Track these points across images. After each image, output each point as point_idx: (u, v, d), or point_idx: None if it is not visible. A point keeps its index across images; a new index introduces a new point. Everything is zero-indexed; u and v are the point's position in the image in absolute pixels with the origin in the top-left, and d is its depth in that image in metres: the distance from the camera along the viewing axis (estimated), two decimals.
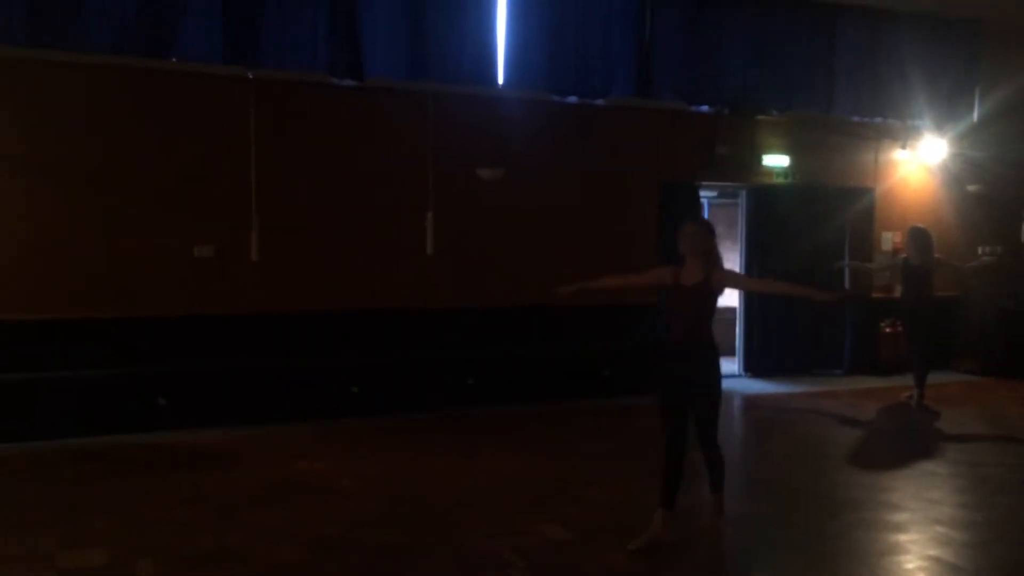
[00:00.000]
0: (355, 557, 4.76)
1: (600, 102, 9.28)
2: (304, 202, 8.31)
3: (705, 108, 9.84)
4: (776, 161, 10.46)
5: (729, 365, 10.88)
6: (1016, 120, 10.69)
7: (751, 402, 9.50)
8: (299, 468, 6.57)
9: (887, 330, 10.82)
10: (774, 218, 10.53)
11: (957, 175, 11.21)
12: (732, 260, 11.42)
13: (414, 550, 4.85)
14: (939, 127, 10.84)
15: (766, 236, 10.57)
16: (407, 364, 8.58)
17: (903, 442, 7.85)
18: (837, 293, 4.94)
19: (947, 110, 10.74)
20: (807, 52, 10.11)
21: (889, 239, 11.04)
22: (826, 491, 6.09)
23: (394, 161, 8.59)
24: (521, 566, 4.62)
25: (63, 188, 7.55)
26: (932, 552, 4.87)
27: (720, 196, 11.55)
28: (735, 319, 11.02)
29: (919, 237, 8.95)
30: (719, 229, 12.59)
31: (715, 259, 4.90)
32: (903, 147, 10.99)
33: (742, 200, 10.77)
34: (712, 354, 4.90)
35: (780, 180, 10.53)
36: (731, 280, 5.05)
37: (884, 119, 10.68)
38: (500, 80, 8.80)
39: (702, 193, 10.56)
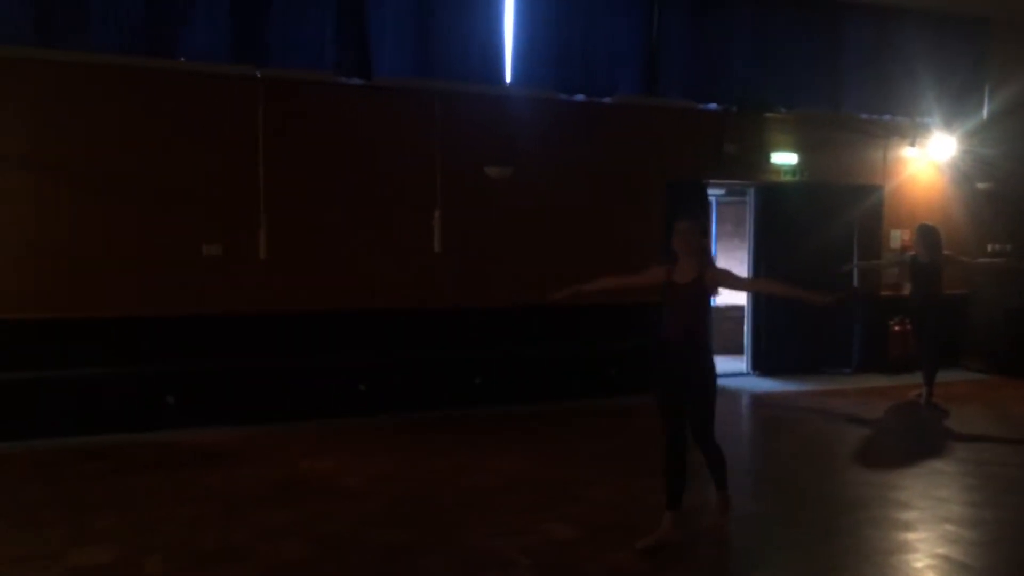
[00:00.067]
0: (359, 556, 4.77)
1: (607, 100, 9.27)
2: (312, 201, 8.32)
3: (712, 106, 9.82)
4: (784, 159, 10.42)
5: (737, 363, 10.87)
6: None
7: (759, 400, 9.47)
8: (304, 467, 6.58)
9: (896, 328, 10.78)
10: (782, 216, 10.49)
11: (966, 172, 11.15)
12: (740, 258, 11.42)
13: (418, 549, 4.85)
14: (948, 124, 10.79)
15: (774, 234, 10.54)
16: (413, 363, 8.59)
17: (911, 440, 7.82)
18: (834, 295, 4.88)
19: (956, 107, 10.70)
20: (814, 50, 10.09)
21: (898, 237, 10.99)
22: (834, 489, 6.07)
23: (402, 160, 8.60)
24: (525, 565, 4.62)
25: (71, 188, 7.59)
26: (941, 550, 4.85)
27: (728, 194, 11.54)
28: (743, 317, 11.00)
29: (928, 235, 8.91)
30: (727, 227, 12.77)
31: (709, 257, 4.89)
32: (912, 144, 10.94)
33: (750, 198, 10.74)
34: (706, 353, 4.88)
35: (788, 178, 10.50)
36: (726, 279, 5.02)
37: (893, 116, 10.64)
38: (507, 79, 8.80)
39: (710, 191, 10.55)
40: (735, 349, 11.18)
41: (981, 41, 10.75)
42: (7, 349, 7.37)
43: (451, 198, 8.63)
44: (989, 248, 11.01)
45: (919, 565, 4.66)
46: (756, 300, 10.59)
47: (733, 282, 5.11)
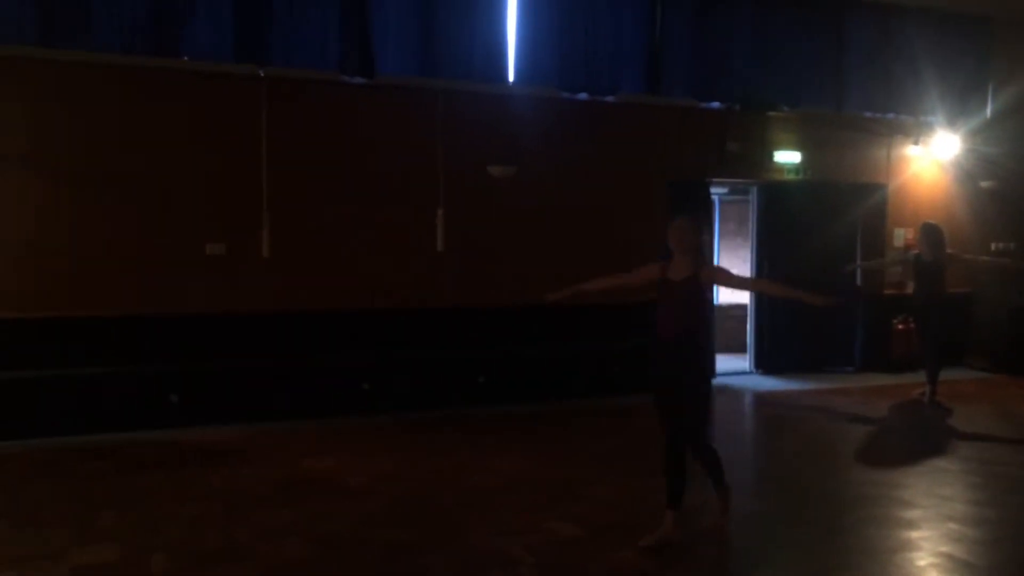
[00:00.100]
0: (361, 556, 4.77)
1: (610, 99, 9.27)
2: (315, 200, 8.33)
3: (716, 105, 9.81)
4: (787, 157, 10.41)
5: (740, 362, 10.87)
6: None
7: (762, 399, 9.47)
8: (307, 466, 6.59)
9: (899, 327, 10.77)
10: (785, 215, 10.48)
11: (970, 171, 11.14)
12: (743, 257, 11.42)
13: (420, 549, 4.86)
14: (952, 123, 10.78)
15: (777, 233, 10.53)
16: (415, 362, 8.59)
17: (915, 439, 7.81)
18: (831, 298, 4.85)
19: (960, 106, 10.69)
20: (818, 48, 10.09)
21: (901, 235, 10.97)
22: (837, 488, 6.06)
23: (404, 159, 8.60)
24: (528, 564, 4.62)
25: (74, 188, 7.59)
26: (944, 549, 4.84)
27: (731, 193, 11.52)
28: (746, 316, 11.00)
29: (931, 233, 8.90)
30: (730, 226, 12.76)
31: (704, 255, 4.86)
32: (915, 143, 10.93)
33: (753, 197, 10.73)
34: (700, 352, 4.86)
35: (792, 176, 10.48)
36: (721, 277, 5.00)
37: (896, 115, 10.63)
38: (510, 77, 8.80)
39: (713, 190, 10.54)
40: (738, 348, 11.18)
41: (984, 39, 10.74)
42: (10, 348, 7.38)
43: (454, 197, 8.63)
44: (992, 247, 10.99)
45: (922, 563, 4.65)
46: (759, 299, 10.58)
47: (729, 280, 5.09)
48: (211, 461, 6.75)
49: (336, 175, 8.41)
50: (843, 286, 10.14)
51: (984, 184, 11.12)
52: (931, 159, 11.11)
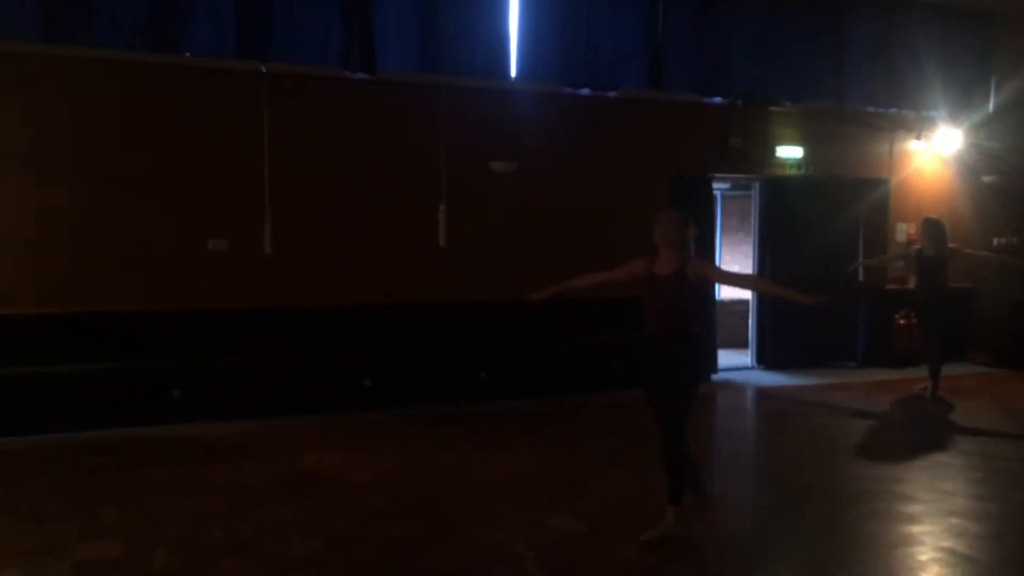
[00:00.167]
0: (366, 551, 4.78)
1: (612, 95, 9.25)
2: (317, 196, 8.33)
3: (718, 100, 9.79)
4: (790, 152, 10.41)
5: (742, 358, 10.87)
6: None
7: (764, 394, 9.47)
8: (310, 461, 6.60)
9: (901, 322, 10.76)
10: (788, 210, 10.47)
11: (972, 166, 11.12)
12: (745, 252, 11.42)
13: (424, 544, 4.87)
14: (954, 117, 10.75)
15: (780, 228, 10.52)
16: (418, 358, 8.60)
17: (917, 434, 7.81)
18: (821, 297, 4.81)
19: (962, 100, 10.65)
20: (820, 43, 10.04)
21: (904, 230, 10.96)
22: (839, 483, 6.07)
23: (407, 154, 8.60)
24: (532, 559, 4.63)
25: (77, 184, 7.60)
26: (946, 543, 4.84)
27: (733, 188, 11.51)
28: (747, 312, 11.00)
29: (933, 228, 8.89)
30: (732, 221, 12.76)
31: (690, 249, 4.82)
32: (918, 138, 10.92)
33: (755, 192, 10.72)
34: (686, 346, 4.80)
35: (794, 171, 10.48)
36: (710, 272, 4.96)
37: (898, 110, 10.59)
38: (512, 73, 8.78)
39: (715, 185, 10.53)
40: (740, 343, 11.18)
41: (987, 34, 10.70)
42: (14, 344, 7.39)
43: (456, 193, 8.62)
44: (995, 242, 10.98)
45: (924, 558, 4.65)
46: (760, 294, 10.57)
47: (717, 275, 5.04)
48: (213, 457, 6.77)
49: (338, 171, 8.41)
50: (845, 282, 10.14)
51: (986, 179, 11.10)
52: (933, 154, 11.09)
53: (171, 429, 7.54)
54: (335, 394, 8.27)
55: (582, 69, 9.01)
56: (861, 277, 10.67)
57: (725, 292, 11.47)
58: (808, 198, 10.43)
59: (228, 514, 5.33)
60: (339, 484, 6.03)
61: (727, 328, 11.31)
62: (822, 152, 10.53)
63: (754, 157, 10.20)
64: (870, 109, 10.52)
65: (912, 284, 9.68)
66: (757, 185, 10.64)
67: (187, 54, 7.68)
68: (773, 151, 10.33)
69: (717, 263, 11.12)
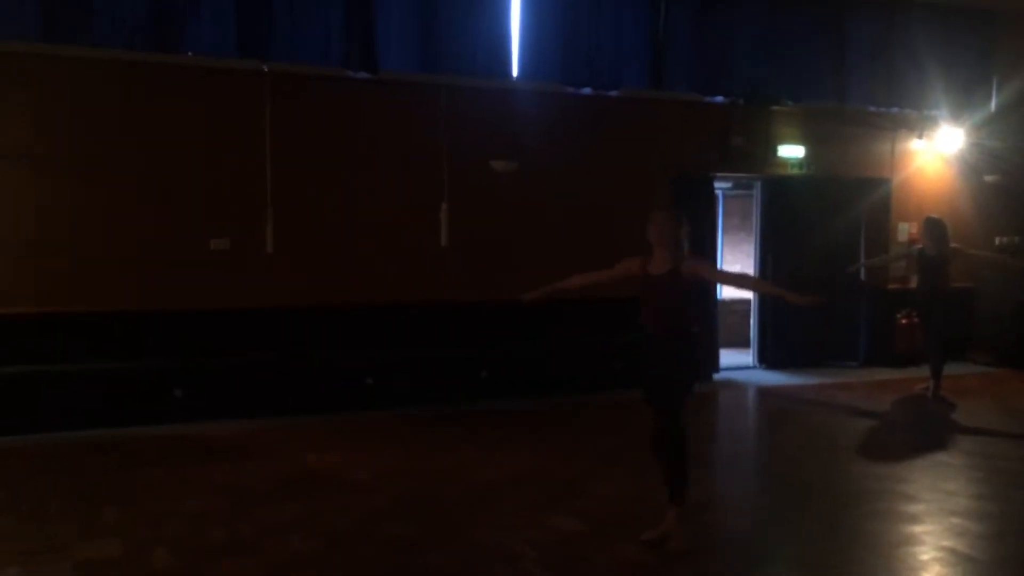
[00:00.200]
0: (366, 550, 4.78)
1: (613, 94, 9.24)
2: (319, 195, 8.34)
3: (719, 99, 9.78)
4: (791, 152, 10.39)
5: (744, 357, 10.87)
6: None
7: (765, 393, 9.47)
8: (311, 461, 6.60)
9: (903, 321, 10.75)
10: (789, 209, 10.46)
11: (974, 165, 11.10)
12: (747, 251, 11.41)
13: (425, 543, 4.87)
14: (956, 117, 10.73)
15: (781, 227, 10.50)
16: (419, 358, 8.60)
17: (918, 433, 7.80)
18: (814, 298, 4.77)
19: (964, 100, 10.63)
20: (822, 42, 10.03)
21: (906, 230, 10.95)
22: (840, 482, 6.07)
23: (408, 154, 8.61)
24: (532, 559, 4.63)
25: (80, 184, 7.62)
26: (947, 543, 4.84)
27: (735, 187, 11.50)
28: (749, 311, 10.99)
29: (934, 227, 8.88)
30: (734, 220, 12.75)
31: (684, 248, 4.77)
32: (919, 137, 10.91)
33: (757, 191, 10.71)
34: (682, 345, 4.78)
35: (795, 171, 10.47)
36: (705, 271, 4.92)
37: (900, 109, 10.58)
38: (513, 72, 8.78)
39: (717, 185, 10.53)
40: (742, 342, 11.18)
41: (989, 33, 10.69)
42: (15, 344, 7.40)
43: (457, 192, 8.63)
44: (997, 241, 10.97)
45: (925, 558, 4.65)
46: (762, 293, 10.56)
47: (712, 275, 5.00)
48: (214, 457, 6.77)
49: (339, 171, 8.42)
50: (847, 282, 10.15)
51: (988, 178, 11.08)
52: (935, 153, 11.08)
53: (172, 428, 7.55)
54: (336, 394, 8.27)
55: (583, 68, 9.01)
56: (863, 276, 10.66)
57: (727, 291, 11.45)
58: (809, 197, 10.42)
59: (229, 514, 5.33)
60: (340, 484, 6.03)
61: (729, 327, 11.30)
62: (824, 151, 10.52)
63: (755, 156, 10.19)
64: (872, 108, 10.51)
65: (914, 283, 9.67)
66: (758, 184, 10.63)
67: (188, 54, 7.69)
68: (775, 150, 10.32)
69: (719, 263, 11.14)
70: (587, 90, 9.13)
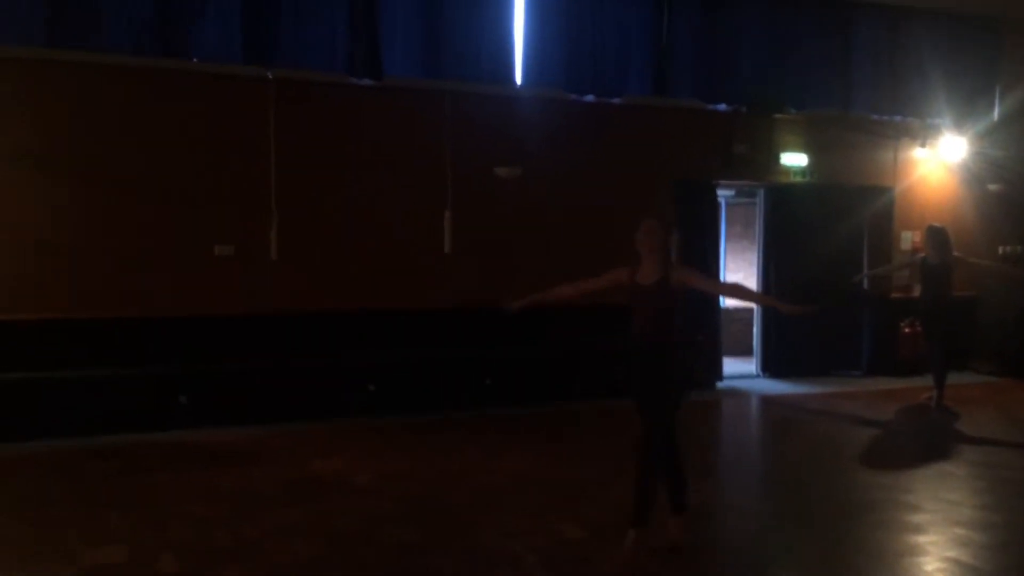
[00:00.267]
0: (371, 554, 4.79)
1: (617, 101, 9.28)
2: (323, 201, 8.35)
3: (722, 107, 9.81)
4: (794, 160, 10.41)
5: (747, 366, 10.87)
6: None
7: (769, 402, 9.47)
8: (316, 466, 6.61)
9: (906, 330, 10.74)
10: (792, 217, 10.47)
11: (978, 174, 11.12)
12: (750, 259, 11.42)
13: (430, 547, 4.87)
14: (959, 125, 10.75)
15: (784, 235, 10.51)
16: (423, 363, 8.60)
17: (922, 443, 7.79)
18: (806, 307, 4.75)
19: (967, 108, 10.66)
20: (824, 50, 10.07)
21: (908, 238, 10.95)
22: (844, 492, 6.05)
23: (412, 160, 8.62)
24: (536, 564, 4.63)
25: (85, 189, 7.63)
26: (951, 554, 4.84)
27: (738, 195, 11.53)
28: (752, 319, 10.99)
29: (937, 235, 8.88)
30: (736, 228, 12.74)
31: (671, 256, 4.74)
32: (922, 145, 10.91)
33: (760, 199, 10.72)
34: (672, 354, 4.72)
35: (798, 179, 10.48)
36: (694, 280, 4.85)
37: (903, 117, 10.61)
38: (517, 79, 8.81)
39: (719, 192, 10.54)
40: (744, 351, 11.17)
41: (993, 42, 10.72)
42: (20, 350, 7.41)
43: (461, 199, 8.65)
44: (1000, 250, 10.98)
45: (929, 568, 4.65)
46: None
47: (700, 283, 4.90)
48: (219, 462, 6.78)
49: (344, 177, 8.43)
50: (850, 291, 10.16)
51: (992, 187, 11.10)
52: (938, 162, 11.09)
53: (177, 434, 7.55)
54: (340, 399, 8.28)
55: (587, 76, 9.05)
56: (866, 285, 10.66)
57: (730, 300, 11.45)
58: (812, 205, 10.43)
59: (234, 518, 5.34)
60: (343, 488, 6.04)
61: (732, 336, 11.31)
62: (826, 159, 10.54)
63: (758, 164, 10.21)
64: (875, 117, 10.54)
65: (917, 292, 9.67)
66: (761, 192, 10.64)
67: (194, 59, 7.73)
68: (777, 158, 10.33)
69: (722, 270, 11.15)
70: (590, 97, 9.17)
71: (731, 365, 10.61)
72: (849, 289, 10.05)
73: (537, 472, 6.47)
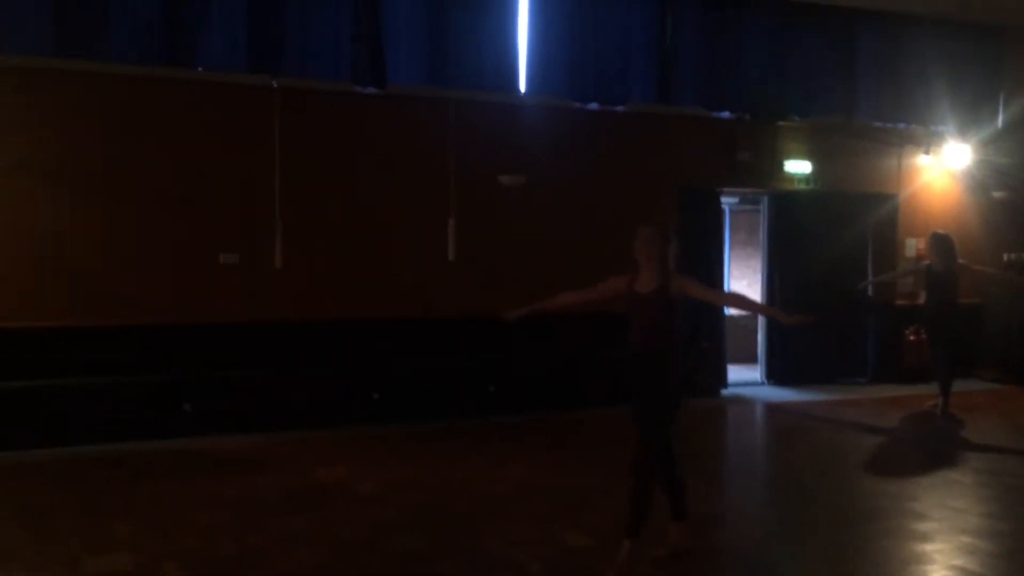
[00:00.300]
0: (375, 562, 4.79)
1: (620, 109, 9.29)
2: (327, 209, 8.37)
3: (726, 114, 9.83)
4: (798, 167, 10.40)
5: (751, 373, 10.84)
6: None
7: (773, 410, 9.45)
8: (320, 474, 6.60)
9: (911, 338, 10.72)
10: (796, 224, 10.46)
11: (982, 181, 11.11)
12: (754, 267, 11.40)
13: (434, 556, 4.87)
14: (963, 133, 10.75)
15: (788, 242, 10.50)
16: (427, 372, 8.60)
17: (927, 451, 7.77)
18: (805, 317, 4.71)
19: (971, 115, 10.67)
20: (828, 58, 10.10)
21: (913, 245, 10.93)
22: (849, 500, 6.04)
23: (416, 168, 8.64)
24: (540, 572, 4.63)
25: (91, 197, 7.66)
26: (957, 562, 4.82)
27: (742, 202, 11.52)
28: (756, 326, 10.98)
29: (941, 242, 8.87)
30: (740, 236, 12.73)
31: (670, 265, 4.69)
32: (927, 153, 10.91)
33: (764, 206, 10.72)
34: (669, 362, 4.68)
35: (802, 186, 10.48)
36: (693, 289, 4.73)
37: (907, 124, 10.62)
38: (521, 87, 8.84)
39: (723, 199, 10.53)
40: (749, 358, 11.15)
41: (996, 49, 10.73)
42: (26, 357, 7.42)
43: (465, 206, 8.67)
44: (1005, 258, 10.95)
45: None
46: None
47: (699, 293, 4.78)
48: (224, 470, 6.78)
49: (348, 184, 8.45)
50: (855, 298, 10.16)
51: (996, 194, 11.09)
52: (942, 169, 11.08)
53: (181, 442, 7.55)
54: (344, 407, 8.27)
55: (590, 83, 9.07)
56: (870, 293, 10.65)
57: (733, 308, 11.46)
58: (816, 213, 10.42)
59: (239, 526, 5.34)
60: (348, 496, 6.04)
61: (736, 343, 11.28)
62: (830, 166, 10.53)
63: (762, 171, 10.20)
64: (879, 124, 10.55)
65: (922, 299, 9.66)
66: (765, 199, 10.63)
67: (199, 68, 7.77)
68: (781, 165, 10.33)
69: (726, 277, 11.15)
70: (594, 105, 9.19)
71: (735, 372, 10.58)
72: (853, 295, 10.03)
73: (541, 480, 6.46)
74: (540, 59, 8.86)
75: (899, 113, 10.49)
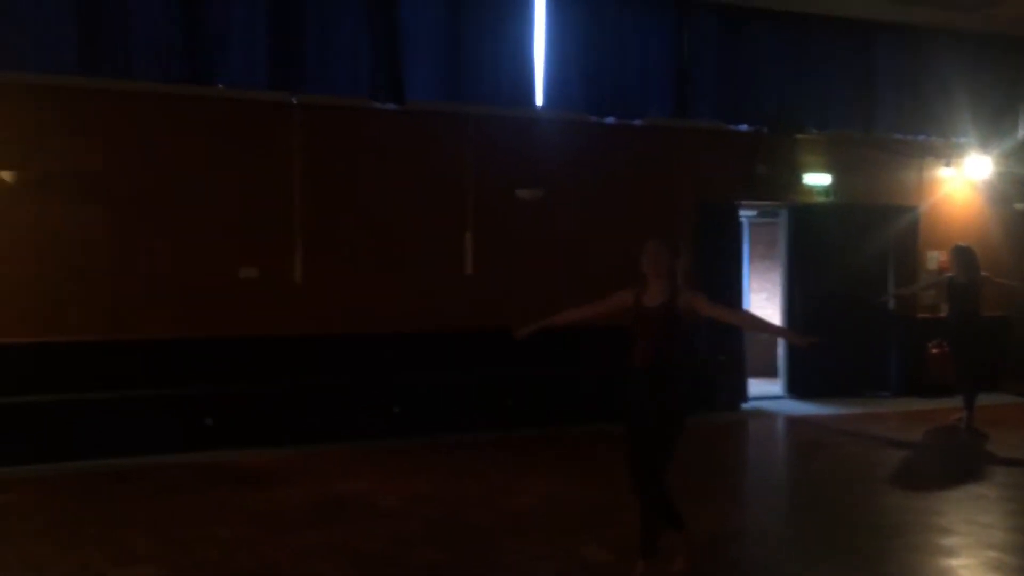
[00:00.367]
0: (397, 575, 4.77)
1: (638, 122, 9.30)
2: (346, 224, 8.42)
3: (744, 127, 9.81)
4: (817, 179, 10.35)
5: (772, 386, 10.77)
6: None
7: (795, 423, 9.37)
8: (341, 487, 6.61)
9: (934, 351, 10.60)
10: (816, 237, 10.41)
11: (1003, 193, 11.01)
12: (773, 280, 11.34)
13: (455, 569, 4.86)
14: (984, 144, 10.66)
15: (808, 256, 10.44)
16: (446, 385, 8.60)
17: (952, 465, 7.68)
18: (814, 339, 4.61)
19: (992, 127, 10.59)
20: (847, 70, 10.07)
21: (935, 258, 10.84)
22: (873, 515, 5.97)
23: (434, 183, 8.68)
24: None
25: (113, 213, 7.74)
26: None
27: (761, 215, 11.47)
28: (775, 340, 10.90)
29: (963, 254, 8.79)
30: (759, 249, 12.67)
31: (679, 280, 4.60)
32: (947, 165, 10.83)
33: (783, 219, 10.67)
34: (674, 383, 4.53)
35: (821, 199, 10.42)
36: (702, 306, 4.58)
37: (927, 136, 10.56)
38: (538, 102, 8.87)
39: (742, 213, 10.51)
40: (769, 372, 11.07)
41: (1017, 61, 10.66)
42: (48, 372, 7.50)
43: (482, 220, 8.69)
44: None
45: None
46: (791, 320, 10.46)
47: (708, 310, 4.63)
48: (245, 484, 6.79)
49: (367, 199, 8.50)
50: (877, 311, 10.09)
51: (1018, 206, 10.99)
52: (963, 181, 11.00)
53: (202, 456, 7.58)
54: (364, 421, 8.28)
55: (608, 97, 9.09)
56: (892, 305, 10.57)
57: None
58: (836, 225, 10.36)
59: (260, 540, 5.34)
60: (369, 510, 6.03)
61: (758, 356, 11.20)
62: (850, 179, 10.47)
63: (781, 184, 10.15)
64: (898, 136, 10.49)
65: (944, 312, 9.57)
66: (784, 212, 10.59)
67: (220, 85, 7.85)
68: (800, 178, 10.28)
69: (745, 291, 11.09)
70: (611, 119, 9.20)
71: (756, 386, 10.50)
72: (875, 308, 9.95)
73: (561, 494, 6.43)
74: (557, 73, 8.90)
75: (919, 125, 10.44)
